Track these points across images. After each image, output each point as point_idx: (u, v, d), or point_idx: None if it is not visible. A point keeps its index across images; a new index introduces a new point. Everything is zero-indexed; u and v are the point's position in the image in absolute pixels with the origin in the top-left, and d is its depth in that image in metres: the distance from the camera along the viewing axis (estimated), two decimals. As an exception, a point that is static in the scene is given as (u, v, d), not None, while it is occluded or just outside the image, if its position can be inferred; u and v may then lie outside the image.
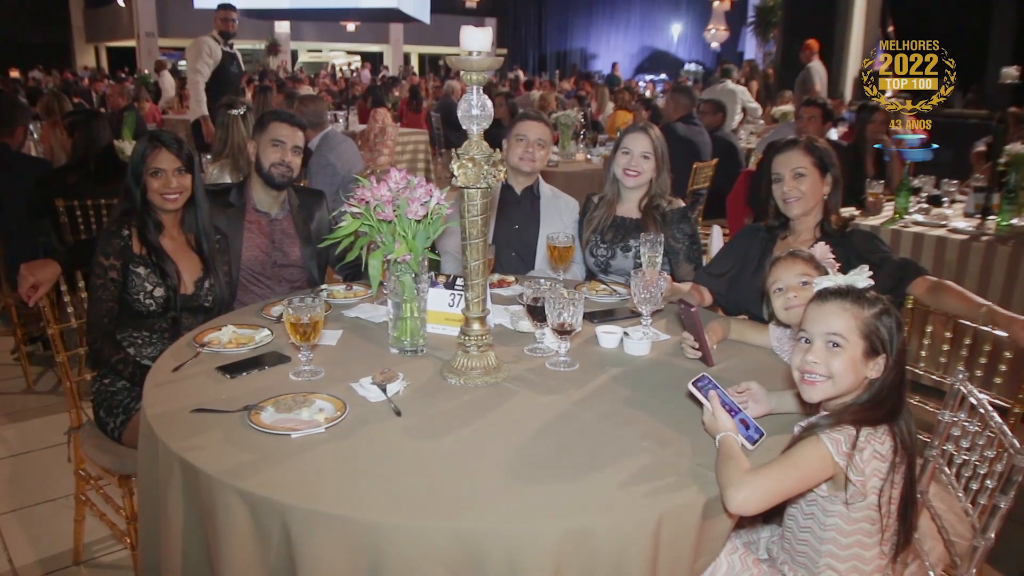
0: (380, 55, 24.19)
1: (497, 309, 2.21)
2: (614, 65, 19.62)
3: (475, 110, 1.66)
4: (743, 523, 1.56)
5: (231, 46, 6.44)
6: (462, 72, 1.65)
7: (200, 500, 1.41)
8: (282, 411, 1.59)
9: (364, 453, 1.47)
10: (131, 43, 20.10)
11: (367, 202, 1.81)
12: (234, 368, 1.83)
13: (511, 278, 2.58)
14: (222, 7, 6.38)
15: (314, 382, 1.77)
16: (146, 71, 13.99)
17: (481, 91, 1.66)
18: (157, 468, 1.53)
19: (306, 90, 10.33)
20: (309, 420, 1.56)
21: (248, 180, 2.67)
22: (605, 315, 2.26)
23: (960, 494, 1.62)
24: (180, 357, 1.91)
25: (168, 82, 11.99)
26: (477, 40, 1.61)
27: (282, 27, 20.90)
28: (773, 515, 1.55)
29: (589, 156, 6.20)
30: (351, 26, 21.63)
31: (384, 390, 1.68)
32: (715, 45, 18.14)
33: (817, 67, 8.68)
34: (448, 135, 8.95)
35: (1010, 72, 6.55)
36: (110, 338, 2.20)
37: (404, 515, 1.27)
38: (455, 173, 1.66)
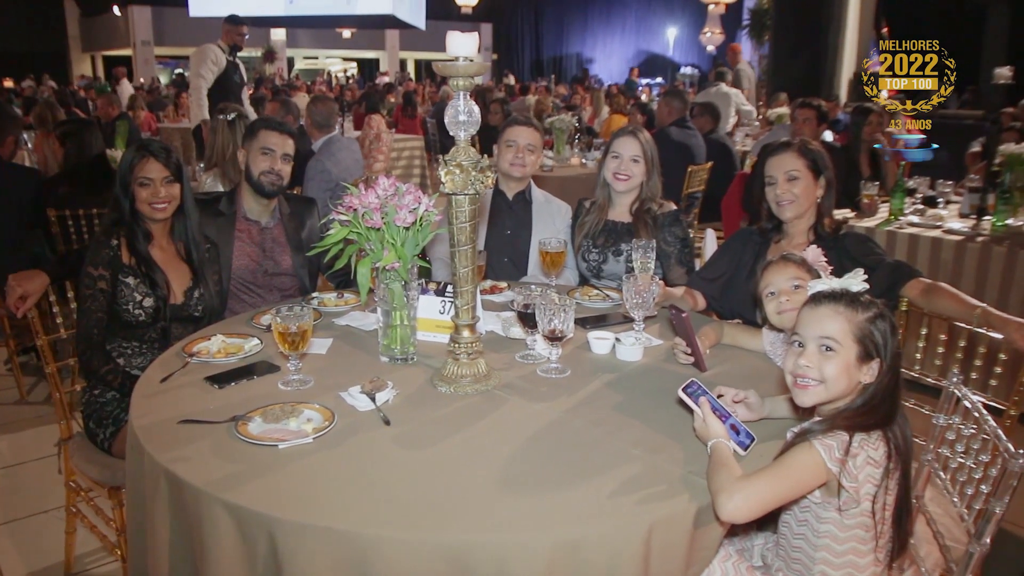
0: (376, 61, 24.21)
1: (489, 316, 2.19)
2: (632, 70, 19.46)
3: (462, 116, 1.64)
4: (737, 530, 1.54)
5: (235, 56, 6.46)
6: (449, 78, 1.64)
7: (186, 512, 1.40)
8: (270, 421, 1.58)
9: (352, 463, 1.45)
10: (127, 52, 20.11)
11: (355, 209, 1.80)
12: (223, 378, 1.82)
13: (503, 284, 2.56)
14: (235, 22, 6.39)
15: (303, 391, 1.76)
16: (127, 82, 13.93)
17: (468, 97, 1.65)
18: (144, 480, 1.52)
19: (301, 97, 10.32)
20: (297, 430, 1.54)
21: (238, 188, 2.66)
22: (597, 320, 2.25)
23: (955, 499, 1.60)
24: (168, 367, 1.90)
25: (126, 91, 11.84)
26: (464, 45, 1.60)
27: (278, 34, 20.91)
28: (767, 522, 1.53)
29: (584, 160, 6.19)
30: (347, 33, 21.65)
31: (373, 399, 1.66)
32: (711, 48, 18.15)
33: (744, 68, 8.82)
34: (444, 141, 8.95)
35: (1003, 72, 6.56)
36: (99, 349, 2.18)
37: (392, 527, 1.25)
38: (442, 179, 1.64)
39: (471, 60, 1.63)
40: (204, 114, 6.07)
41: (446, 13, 19.71)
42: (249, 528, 1.29)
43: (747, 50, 17.80)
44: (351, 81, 19.87)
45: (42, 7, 18.93)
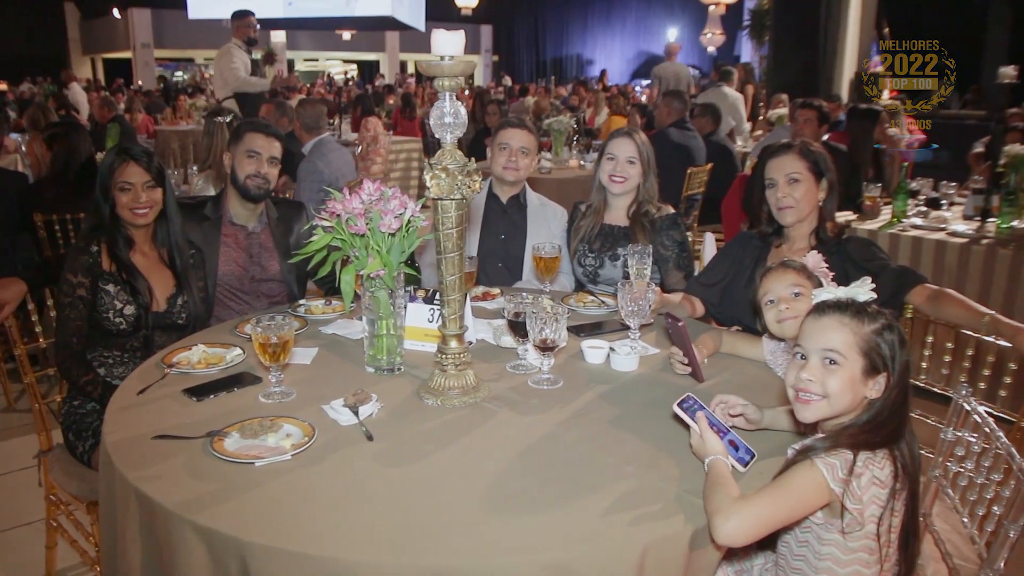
0: (377, 63, 24.14)
1: (480, 323, 2.13)
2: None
3: (448, 118, 1.58)
4: (735, 551, 1.47)
5: (250, 53, 6.41)
6: (435, 78, 1.57)
7: (156, 534, 1.34)
8: (247, 437, 1.51)
9: (331, 482, 1.38)
10: (127, 55, 20.09)
11: (339, 215, 1.73)
12: (202, 390, 1.75)
13: (495, 290, 2.50)
14: (242, 15, 6.33)
15: (284, 404, 1.69)
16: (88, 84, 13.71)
17: (454, 98, 1.58)
18: (115, 498, 1.45)
19: (299, 99, 10.24)
20: (275, 447, 1.47)
21: (224, 192, 2.59)
22: (592, 328, 2.18)
23: (965, 519, 1.53)
24: (147, 379, 1.83)
25: (79, 95, 11.62)
26: (449, 44, 1.54)
27: (278, 36, 20.84)
28: (767, 543, 1.46)
29: (582, 162, 6.13)
30: (347, 35, 21.60)
31: (356, 413, 1.59)
32: (711, 49, 18.09)
33: (668, 67, 8.88)
34: (443, 143, 8.86)
35: (1008, 72, 6.50)
36: (79, 358, 2.12)
37: (370, 551, 1.19)
38: (428, 184, 1.58)
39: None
40: (265, 84, 6.18)
41: (446, 15, 19.64)
42: (220, 552, 1.23)
43: (747, 51, 17.73)
44: (350, 83, 19.80)
45: (42, 10, 18.90)
